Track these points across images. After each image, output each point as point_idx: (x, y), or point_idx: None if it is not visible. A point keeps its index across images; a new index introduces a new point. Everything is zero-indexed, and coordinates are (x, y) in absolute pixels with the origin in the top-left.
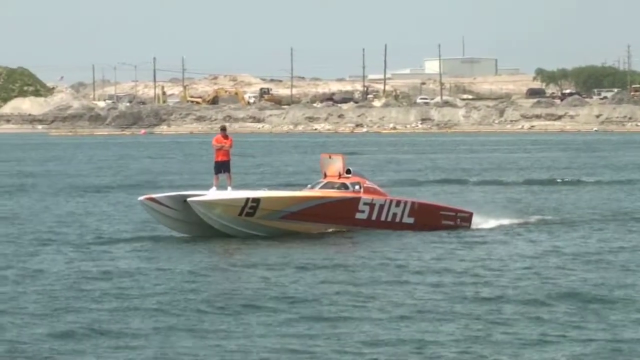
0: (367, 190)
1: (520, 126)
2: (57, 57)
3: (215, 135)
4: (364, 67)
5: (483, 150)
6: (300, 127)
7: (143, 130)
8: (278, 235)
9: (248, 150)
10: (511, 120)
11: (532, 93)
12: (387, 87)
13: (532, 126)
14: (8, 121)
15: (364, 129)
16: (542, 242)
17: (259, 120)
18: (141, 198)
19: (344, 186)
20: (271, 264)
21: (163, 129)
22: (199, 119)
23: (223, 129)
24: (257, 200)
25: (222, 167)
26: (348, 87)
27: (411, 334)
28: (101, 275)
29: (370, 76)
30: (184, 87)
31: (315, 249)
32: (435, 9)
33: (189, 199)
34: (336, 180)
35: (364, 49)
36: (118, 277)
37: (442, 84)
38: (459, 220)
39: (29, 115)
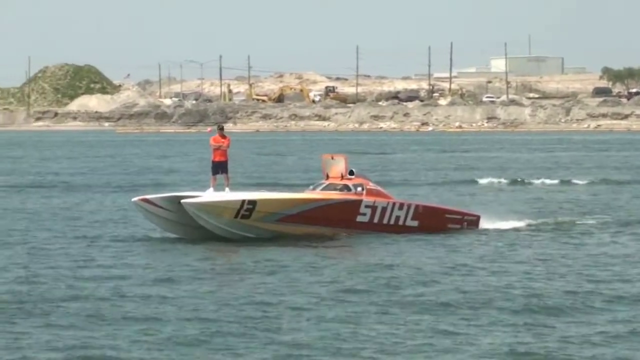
0: (370, 192)
1: (586, 125)
2: (123, 54)
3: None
4: (429, 66)
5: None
6: (365, 126)
7: (209, 128)
8: (275, 237)
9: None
10: (577, 120)
11: (599, 92)
12: (453, 86)
13: (598, 125)
14: (75, 118)
15: (430, 128)
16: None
17: (324, 119)
18: (135, 199)
19: (346, 188)
20: (291, 266)
21: (229, 126)
22: (265, 117)
23: (220, 128)
24: (253, 203)
25: (219, 167)
26: (413, 85)
27: (449, 336)
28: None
29: (436, 74)
30: (250, 85)
31: (330, 250)
32: (502, 7)
33: (182, 201)
34: (338, 181)
35: (429, 47)
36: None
37: (508, 82)
38: (465, 224)
39: (96, 112)
